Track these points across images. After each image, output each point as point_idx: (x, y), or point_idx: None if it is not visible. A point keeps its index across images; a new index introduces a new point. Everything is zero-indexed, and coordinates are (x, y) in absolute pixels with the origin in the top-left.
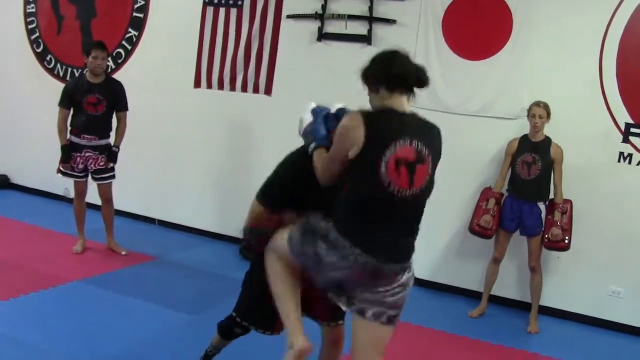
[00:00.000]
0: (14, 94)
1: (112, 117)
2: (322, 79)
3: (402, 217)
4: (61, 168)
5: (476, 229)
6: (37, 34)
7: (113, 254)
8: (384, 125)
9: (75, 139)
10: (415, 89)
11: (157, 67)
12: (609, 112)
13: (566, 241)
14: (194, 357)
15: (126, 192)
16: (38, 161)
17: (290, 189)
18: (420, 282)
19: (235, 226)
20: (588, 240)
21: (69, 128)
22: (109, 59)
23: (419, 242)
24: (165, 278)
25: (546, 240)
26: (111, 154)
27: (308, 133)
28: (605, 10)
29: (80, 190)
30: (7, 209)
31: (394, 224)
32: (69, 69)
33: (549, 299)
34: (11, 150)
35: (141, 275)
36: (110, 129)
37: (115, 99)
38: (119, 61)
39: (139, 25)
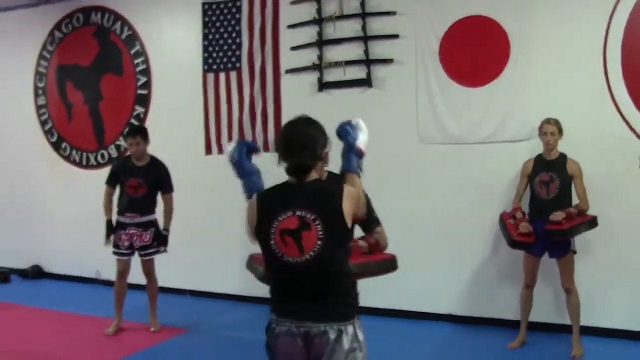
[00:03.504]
0: (36, 185)
1: (154, 197)
2: (328, 127)
3: (306, 283)
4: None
5: (519, 239)
6: (50, 125)
7: (140, 334)
8: (269, 204)
9: (120, 218)
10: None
11: (168, 141)
12: (622, 119)
13: (563, 224)
14: None
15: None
16: (67, 247)
17: None
18: (454, 319)
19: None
20: (622, 251)
21: (115, 207)
22: (121, 138)
23: (445, 277)
24: (198, 349)
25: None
26: (161, 238)
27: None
28: (601, 15)
29: (122, 268)
30: (41, 298)
31: (300, 291)
32: (84, 154)
33: (590, 318)
34: (41, 240)
35: (175, 350)
36: (154, 205)
37: (157, 181)
38: None
39: (145, 101)
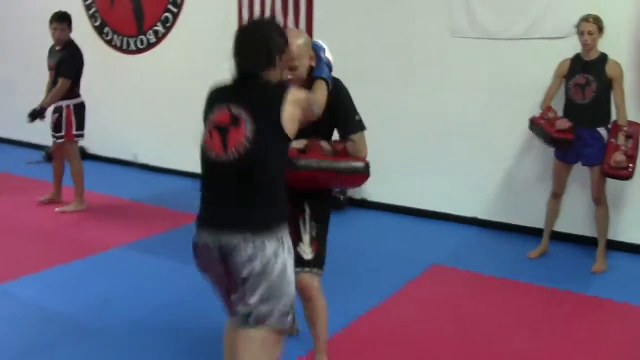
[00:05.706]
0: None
1: None
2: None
3: (226, 185)
4: None
5: (557, 135)
6: (94, 9)
7: (159, 218)
8: (214, 98)
9: None
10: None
11: (204, 30)
12: None
13: (630, 169)
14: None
15: (181, 152)
16: (109, 130)
17: None
18: (478, 222)
19: None
20: None
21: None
22: (159, 24)
23: (472, 180)
24: None
25: (606, 166)
26: (32, 112)
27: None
28: None
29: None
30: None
31: (219, 195)
32: (125, 39)
33: (621, 233)
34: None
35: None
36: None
37: (59, 65)
38: (167, 25)
39: None
